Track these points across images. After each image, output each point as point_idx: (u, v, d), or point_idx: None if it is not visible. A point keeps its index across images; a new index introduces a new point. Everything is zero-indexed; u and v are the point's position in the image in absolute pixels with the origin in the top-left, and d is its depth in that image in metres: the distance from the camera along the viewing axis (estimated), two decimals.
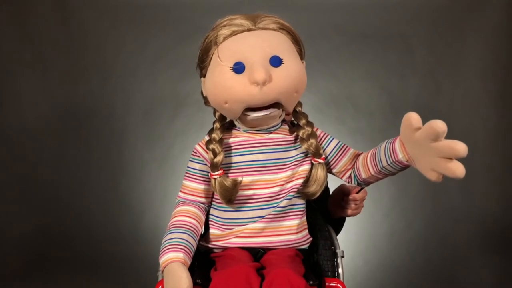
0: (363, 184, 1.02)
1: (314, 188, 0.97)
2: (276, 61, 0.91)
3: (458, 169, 0.72)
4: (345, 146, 1.03)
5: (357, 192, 1.12)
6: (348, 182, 1.03)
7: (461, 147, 0.71)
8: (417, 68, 2.22)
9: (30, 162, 2.19)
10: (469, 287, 2.00)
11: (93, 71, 2.22)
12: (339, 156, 1.02)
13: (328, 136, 1.03)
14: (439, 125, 0.73)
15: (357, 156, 1.02)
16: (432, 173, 0.77)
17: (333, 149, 1.02)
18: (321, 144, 1.01)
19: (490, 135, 2.19)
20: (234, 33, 0.93)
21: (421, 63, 2.22)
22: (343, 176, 1.03)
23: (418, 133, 0.78)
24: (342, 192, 1.15)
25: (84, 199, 2.18)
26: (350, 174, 1.02)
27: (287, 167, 0.98)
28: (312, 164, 0.98)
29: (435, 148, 0.74)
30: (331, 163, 1.02)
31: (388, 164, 0.91)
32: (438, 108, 2.19)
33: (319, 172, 0.97)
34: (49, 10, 2.20)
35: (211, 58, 0.95)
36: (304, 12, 2.15)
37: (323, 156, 0.98)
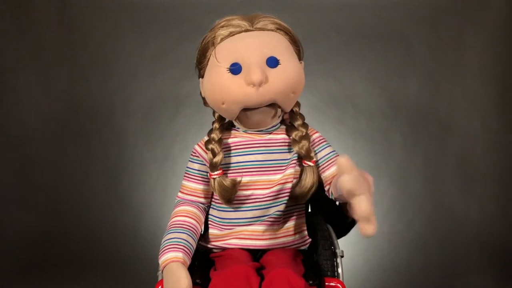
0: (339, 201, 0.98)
1: (301, 191, 0.96)
2: (272, 62, 0.91)
3: (365, 230, 0.75)
4: (335, 158, 0.99)
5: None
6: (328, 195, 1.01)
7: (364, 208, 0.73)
8: (417, 68, 2.22)
9: (30, 162, 2.19)
10: (469, 287, 2.00)
11: (93, 71, 2.22)
12: (326, 167, 1.00)
13: (324, 142, 1.01)
14: (344, 179, 0.74)
15: None
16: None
17: (323, 156, 1.00)
18: (314, 147, 1.00)
19: (490, 135, 2.19)
20: (231, 34, 0.93)
21: (421, 63, 2.22)
22: (324, 187, 1.01)
23: None
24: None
25: (84, 199, 2.18)
26: (329, 188, 0.99)
27: (285, 169, 0.98)
28: (303, 166, 0.98)
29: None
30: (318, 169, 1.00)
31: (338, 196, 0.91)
32: (438, 108, 2.19)
33: (308, 176, 0.96)
34: (49, 10, 2.20)
35: (209, 59, 0.95)
36: (304, 12, 2.15)
37: (314, 159, 0.97)
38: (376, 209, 2.18)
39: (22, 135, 2.19)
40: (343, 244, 1.09)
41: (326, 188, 1.00)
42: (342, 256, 1.03)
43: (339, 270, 1.02)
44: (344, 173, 0.74)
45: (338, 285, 0.98)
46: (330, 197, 0.98)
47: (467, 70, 2.20)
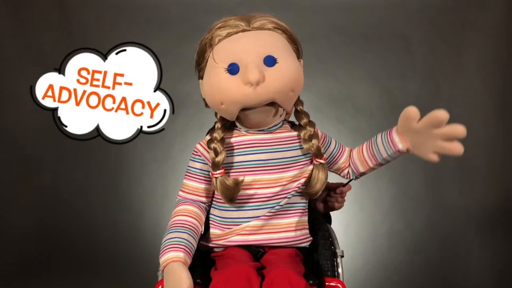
0: (358, 177, 1.08)
1: (318, 188, 0.99)
2: (270, 61, 0.92)
3: (458, 148, 0.87)
4: (342, 146, 1.08)
5: (344, 186, 1.15)
6: (346, 178, 1.09)
7: (461, 129, 0.86)
8: (417, 68, 2.22)
9: (30, 162, 2.18)
10: (469, 287, 2.00)
11: None
12: (338, 156, 1.07)
13: (328, 137, 1.06)
14: (443, 115, 0.87)
15: (350, 152, 1.07)
16: (433, 155, 0.91)
17: (333, 149, 1.06)
18: (323, 145, 1.03)
19: (490, 135, 2.18)
20: (228, 35, 0.94)
21: (421, 63, 2.22)
22: (340, 173, 1.09)
23: (419, 123, 0.91)
24: (327, 188, 1.15)
25: (84, 199, 2.17)
26: (348, 171, 1.07)
27: (292, 167, 0.98)
28: (313, 164, 0.99)
29: (439, 133, 0.88)
30: (331, 162, 1.07)
31: (388, 155, 0.98)
32: (438, 108, 2.18)
33: (321, 172, 0.98)
34: (49, 10, 2.19)
35: (207, 60, 0.96)
36: (304, 12, 2.15)
37: (324, 157, 0.99)
38: (376, 209, 2.18)
39: (22, 135, 2.18)
40: (344, 244, 1.09)
41: (345, 172, 1.08)
42: (342, 256, 1.04)
43: (339, 270, 1.02)
44: (414, 119, 0.91)
45: (338, 285, 0.98)
46: (352, 177, 1.08)
47: (467, 70, 2.20)
